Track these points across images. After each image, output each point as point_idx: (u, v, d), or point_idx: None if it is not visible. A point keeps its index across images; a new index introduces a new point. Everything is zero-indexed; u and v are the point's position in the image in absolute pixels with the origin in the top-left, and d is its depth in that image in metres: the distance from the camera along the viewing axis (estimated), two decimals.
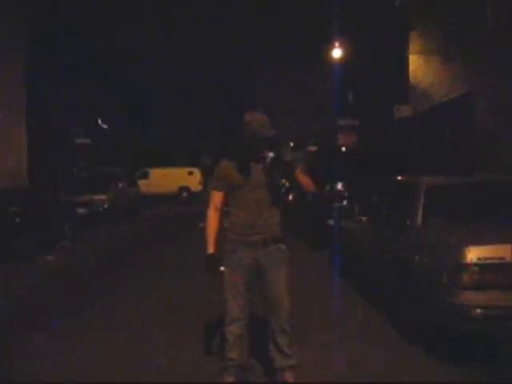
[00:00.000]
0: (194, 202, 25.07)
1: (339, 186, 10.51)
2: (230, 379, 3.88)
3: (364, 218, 7.06)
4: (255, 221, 3.83)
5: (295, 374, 3.94)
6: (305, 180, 3.91)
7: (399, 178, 6.87)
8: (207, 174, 25.89)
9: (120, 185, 18.65)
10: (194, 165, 30.65)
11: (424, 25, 16.78)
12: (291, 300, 3.92)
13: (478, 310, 4.27)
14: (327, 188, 10.97)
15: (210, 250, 3.93)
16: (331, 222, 9.02)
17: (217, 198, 3.98)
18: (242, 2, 34.56)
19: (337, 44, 23.57)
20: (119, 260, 10.11)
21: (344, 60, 23.60)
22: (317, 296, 6.66)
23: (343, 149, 19.73)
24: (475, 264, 4.28)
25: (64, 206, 13.47)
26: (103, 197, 16.40)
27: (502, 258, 4.29)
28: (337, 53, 23.63)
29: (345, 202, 9.77)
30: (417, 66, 17.58)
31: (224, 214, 4.03)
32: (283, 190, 4.80)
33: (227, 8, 35.96)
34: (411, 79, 17.98)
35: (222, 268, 3.91)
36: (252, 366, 4.19)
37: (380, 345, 4.92)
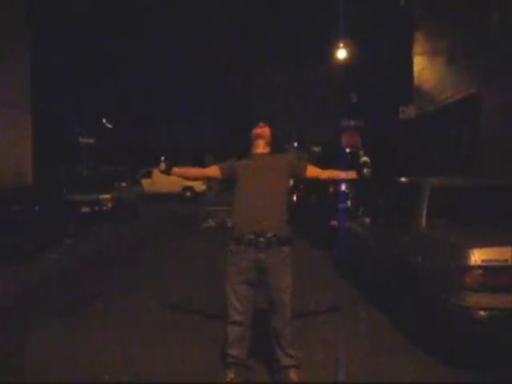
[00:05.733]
0: (198, 202, 25.09)
1: (343, 186, 10.49)
2: (231, 375, 3.92)
3: (368, 219, 7.04)
4: (258, 216, 3.81)
5: (298, 373, 3.94)
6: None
7: (403, 179, 6.85)
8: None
9: (123, 184, 18.65)
10: (197, 165, 30.59)
11: (428, 25, 16.74)
12: (293, 300, 3.92)
13: (482, 312, 4.26)
14: (331, 189, 10.96)
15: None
16: (334, 222, 9.01)
17: (213, 169, 4.22)
18: (243, 3, 34.45)
19: (341, 45, 23.55)
20: (122, 259, 10.12)
21: (348, 61, 23.58)
22: (319, 296, 6.65)
23: (347, 150, 19.69)
24: (479, 266, 4.26)
25: (67, 204, 13.48)
26: (107, 196, 16.42)
27: (505, 261, 4.27)
28: (341, 53, 23.61)
29: (349, 203, 9.77)
30: (421, 66, 17.54)
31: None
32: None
33: (227, 7, 35.87)
34: (416, 80, 17.95)
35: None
36: (252, 365, 4.17)
37: (382, 345, 4.91)
